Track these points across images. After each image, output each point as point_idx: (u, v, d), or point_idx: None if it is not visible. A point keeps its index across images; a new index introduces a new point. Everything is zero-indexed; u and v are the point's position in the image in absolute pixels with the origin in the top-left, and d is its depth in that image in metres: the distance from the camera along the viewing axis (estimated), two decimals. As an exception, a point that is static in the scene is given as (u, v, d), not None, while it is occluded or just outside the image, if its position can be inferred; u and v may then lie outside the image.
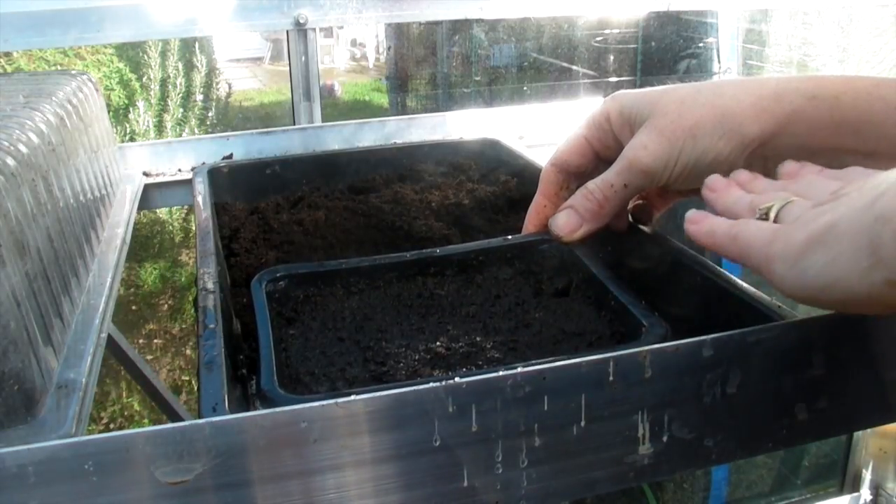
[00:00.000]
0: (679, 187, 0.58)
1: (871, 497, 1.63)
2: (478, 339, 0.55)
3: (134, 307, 2.78)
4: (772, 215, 0.43)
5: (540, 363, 0.41)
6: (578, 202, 0.59)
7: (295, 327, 0.57)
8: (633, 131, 0.57)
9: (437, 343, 0.54)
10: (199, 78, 3.14)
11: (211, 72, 3.33)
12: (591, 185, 0.59)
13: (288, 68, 1.18)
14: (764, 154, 0.54)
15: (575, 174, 0.63)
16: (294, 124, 1.17)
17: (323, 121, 1.16)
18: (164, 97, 2.99)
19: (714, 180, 0.50)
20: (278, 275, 0.60)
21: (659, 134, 0.54)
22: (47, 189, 0.58)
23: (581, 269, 0.61)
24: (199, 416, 0.40)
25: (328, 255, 0.73)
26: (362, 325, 0.57)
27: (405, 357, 0.52)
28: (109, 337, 0.68)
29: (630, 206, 0.64)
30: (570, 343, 0.55)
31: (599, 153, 0.61)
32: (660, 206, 0.65)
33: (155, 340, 2.78)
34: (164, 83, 2.99)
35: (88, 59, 2.92)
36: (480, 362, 0.52)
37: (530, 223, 0.65)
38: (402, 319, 0.58)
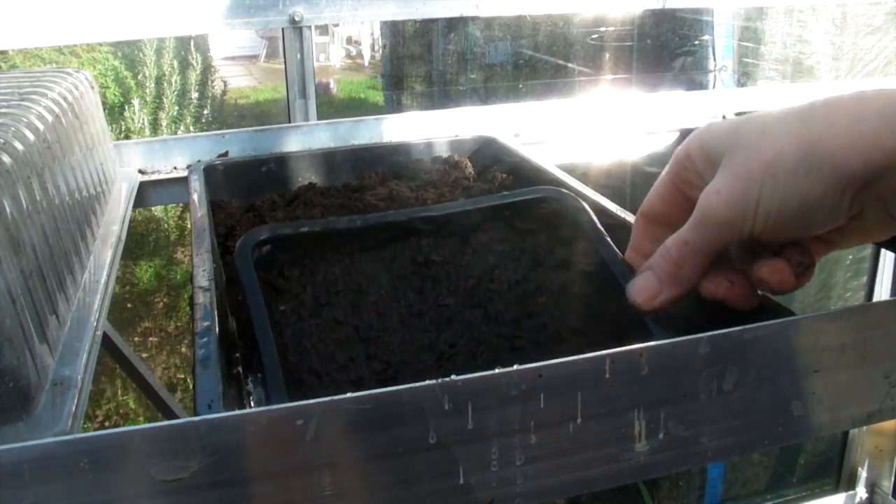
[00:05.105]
0: (771, 238, 0.46)
1: (866, 495, 1.64)
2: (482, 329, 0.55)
3: (129, 305, 2.78)
4: None
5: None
6: (656, 262, 0.49)
7: (285, 300, 0.56)
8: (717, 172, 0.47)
9: (440, 339, 0.54)
10: (194, 76, 3.14)
11: (206, 69, 3.32)
12: (669, 240, 0.48)
13: (283, 66, 1.18)
14: (880, 195, 0.42)
15: (667, 224, 0.51)
16: (289, 122, 1.17)
17: (318, 118, 1.16)
18: (159, 95, 2.99)
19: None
20: (263, 237, 0.57)
21: (733, 175, 0.44)
22: (42, 186, 0.58)
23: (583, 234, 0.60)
24: (195, 414, 0.40)
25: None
26: (357, 303, 0.56)
27: (411, 364, 0.53)
28: (105, 335, 0.68)
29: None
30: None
31: (691, 198, 0.49)
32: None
33: (150, 338, 2.77)
34: (159, 81, 2.99)
35: (84, 57, 2.91)
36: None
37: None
38: (400, 296, 0.57)
